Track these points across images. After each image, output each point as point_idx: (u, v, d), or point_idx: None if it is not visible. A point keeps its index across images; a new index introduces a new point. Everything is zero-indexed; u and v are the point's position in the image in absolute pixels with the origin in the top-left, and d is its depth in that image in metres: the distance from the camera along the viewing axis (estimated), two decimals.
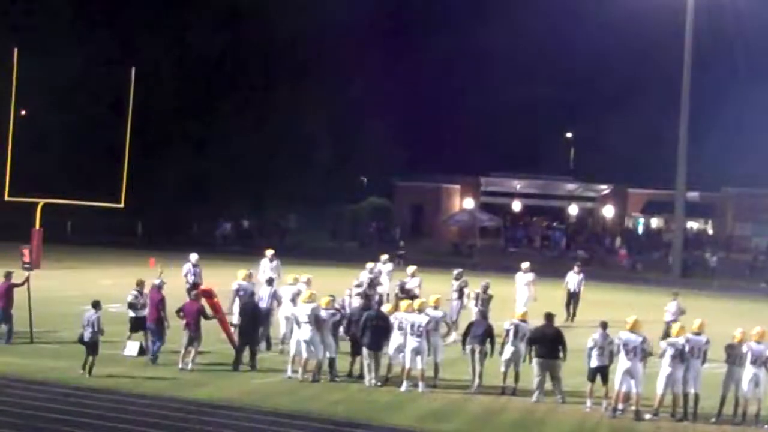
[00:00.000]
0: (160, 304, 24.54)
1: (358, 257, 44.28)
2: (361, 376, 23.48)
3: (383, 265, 34.48)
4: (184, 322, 24.08)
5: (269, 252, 32.66)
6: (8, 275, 26.85)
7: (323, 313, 23.39)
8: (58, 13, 72.69)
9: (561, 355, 22.38)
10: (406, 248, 61.08)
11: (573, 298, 35.75)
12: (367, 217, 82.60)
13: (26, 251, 28.00)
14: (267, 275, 29.69)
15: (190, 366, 23.70)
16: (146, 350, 24.83)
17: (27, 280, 27.01)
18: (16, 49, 44.01)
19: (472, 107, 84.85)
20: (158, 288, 24.90)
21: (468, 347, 23.23)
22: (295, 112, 76.59)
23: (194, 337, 23.91)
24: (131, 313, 25.14)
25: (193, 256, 32.05)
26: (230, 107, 78.55)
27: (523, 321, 23.09)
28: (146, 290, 25.19)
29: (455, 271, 31.46)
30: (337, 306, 24.33)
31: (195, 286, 28.90)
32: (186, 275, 31.60)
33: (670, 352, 21.27)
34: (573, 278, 35.99)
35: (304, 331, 23.18)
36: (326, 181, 78.54)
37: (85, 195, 50.27)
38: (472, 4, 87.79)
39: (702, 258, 66.51)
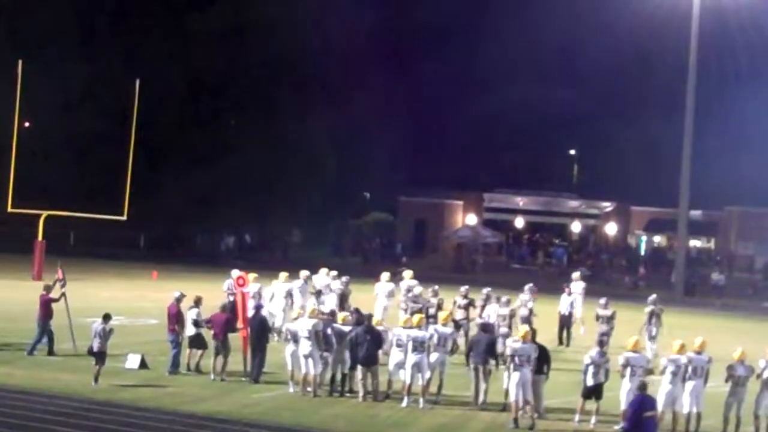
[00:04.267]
0: (176, 316, 24.96)
1: (362, 272, 44.28)
2: (350, 390, 23.53)
3: (333, 281, 32.23)
4: (212, 332, 24.63)
5: (283, 275, 32.33)
6: (48, 288, 26.84)
7: (344, 329, 23.56)
8: (63, 24, 72.74)
9: (545, 370, 22.38)
10: (407, 264, 60.99)
11: (566, 322, 33.86)
12: (370, 232, 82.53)
13: (60, 270, 27.69)
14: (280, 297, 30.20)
15: (213, 377, 24.25)
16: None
17: (63, 295, 26.80)
18: (20, 61, 44.09)
19: (476, 123, 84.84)
20: (177, 301, 25.32)
21: (471, 365, 23.14)
22: (299, 128, 76.58)
23: (221, 348, 24.44)
24: (194, 330, 25.05)
25: (236, 272, 31.45)
26: (234, 122, 78.59)
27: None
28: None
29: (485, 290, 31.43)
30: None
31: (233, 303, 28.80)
32: (227, 291, 30.80)
33: (670, 368, 21.26)
34: (565, 300, 34.10)
35: (304, 346, 23.16)
36: (329, 196, 78.48)
37: (89, 207, 50.25)
38: (476, 22, 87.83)
39: (707, 276, 66.35)
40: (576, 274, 37.51)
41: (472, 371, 23.08)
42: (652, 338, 30.50)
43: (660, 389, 21.29)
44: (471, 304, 30.90)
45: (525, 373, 21.47)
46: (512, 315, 30.10)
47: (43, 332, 26.27)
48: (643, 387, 18.26)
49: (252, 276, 29.68)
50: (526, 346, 21.86)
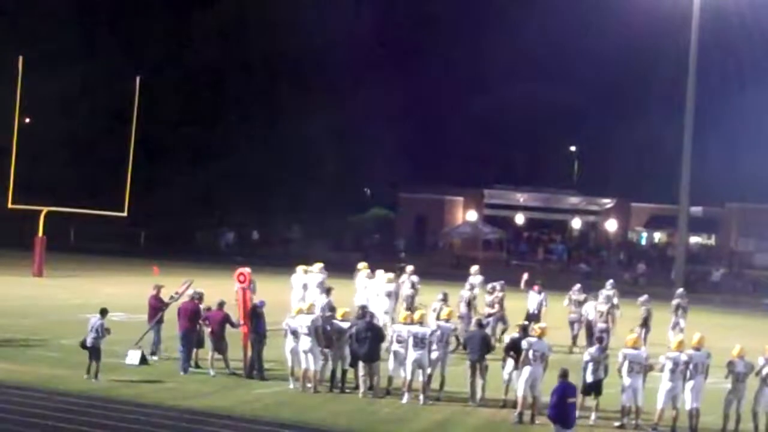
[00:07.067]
0: (192, 314, 24.66)
1: None
2: (356, 387, 23.50)
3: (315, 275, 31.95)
4: (209, 330, 24.47)
5: (318, 266, 31.95)
6: (157, 288, 26.42)
7: (343, 325, 23.49)
8: (63, 21, 72.80)
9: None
10: (407, 260, 60.94)
11: (533, 320, 29.34)
12: (370, 228, 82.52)
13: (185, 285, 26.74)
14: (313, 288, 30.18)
15: (212, 373, 24.28)
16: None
17: (168, 304, 26.26)
18: (21, 58, 44.10)
19: (476, 120, 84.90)
20: (194, 299, 25.00)
21: (468, 362, 23.10)
22: (300, 123, 76.65)
23: (218, 346, 24.38)
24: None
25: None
26: (235, 117, 78.62)
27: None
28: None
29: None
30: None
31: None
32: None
33: (668, 366, 21.29)
34: (533, 298, 32.28)
35: (304, 342, 23.16)
36: (330, 192, 78.51)
37: (89, 203, 50.29)
38: (477, 19, 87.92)
39: (707, 273, 66.37)
40: (474, 268, 36.69)
41: (469, 368, 23.05)
42: (680, 330, 31.37)
43: (660, 387, 21.33)
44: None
45: (536, 370, 21.48)
46: (609, 311, 30.23)
47: (156, 333, 25.92)
48: (564, 375, 18.67)
49: (302, 268, 29.92)
50: (543, 343, 21.88)
